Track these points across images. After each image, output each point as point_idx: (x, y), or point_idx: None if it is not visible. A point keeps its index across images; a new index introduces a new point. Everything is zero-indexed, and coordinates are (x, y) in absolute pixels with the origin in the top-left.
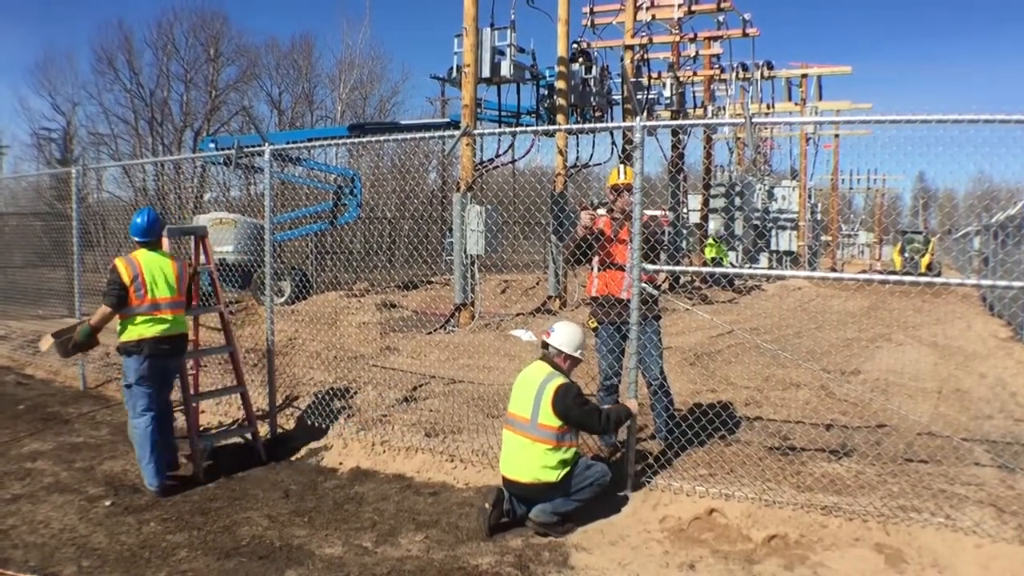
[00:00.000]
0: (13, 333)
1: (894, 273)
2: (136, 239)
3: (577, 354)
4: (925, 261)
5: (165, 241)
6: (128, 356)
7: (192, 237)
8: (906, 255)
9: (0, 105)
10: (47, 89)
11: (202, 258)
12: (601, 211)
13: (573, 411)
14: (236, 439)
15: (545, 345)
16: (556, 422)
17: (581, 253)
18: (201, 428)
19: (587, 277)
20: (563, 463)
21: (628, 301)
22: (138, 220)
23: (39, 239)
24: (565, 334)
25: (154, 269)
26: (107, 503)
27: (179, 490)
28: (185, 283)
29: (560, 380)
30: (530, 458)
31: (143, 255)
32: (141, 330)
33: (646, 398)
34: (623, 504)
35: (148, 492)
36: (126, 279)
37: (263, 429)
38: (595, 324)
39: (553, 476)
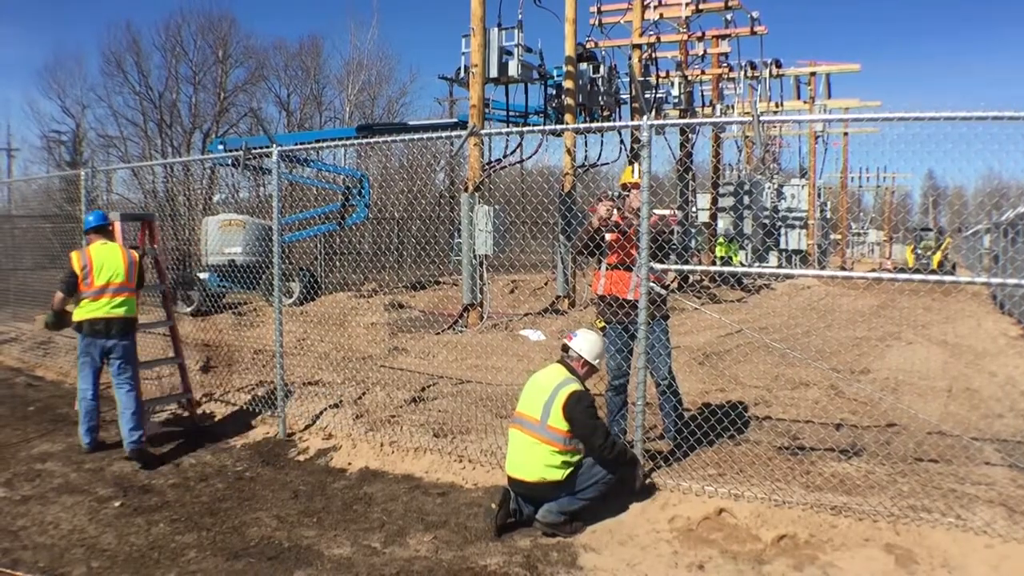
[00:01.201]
0: (23, 335)
1: (906, 271)
2: (90, 229)
3: (595, 363)
4: (936, 258)
5: (117, 226)
6: (77, 332)
7: (140, 223)
8: (919, 252)
9: (10, 108)
10: (56, 92)
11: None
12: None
13: (580, 420)
14: (173, 404)
15: (565, 348)
16: (565, 426)
17: (595, 245)
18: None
19: (593, 275)
20: (567, 463)
21: (635, 301)
22: (90, 218)
23: (49, 241)
24: (587, 341)
25: (103, 260)
26: (116, 504)
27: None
28: (135, 271)
29: (576, 386)
30: (536, 457)
31: (95, 248)
32: (84, 312)
33: (655, 398)
34: (632, 504)
35: (82, 447)
36: (76, 268)
37: (274, 429)
38: (603, 324)
39: (558, 475)
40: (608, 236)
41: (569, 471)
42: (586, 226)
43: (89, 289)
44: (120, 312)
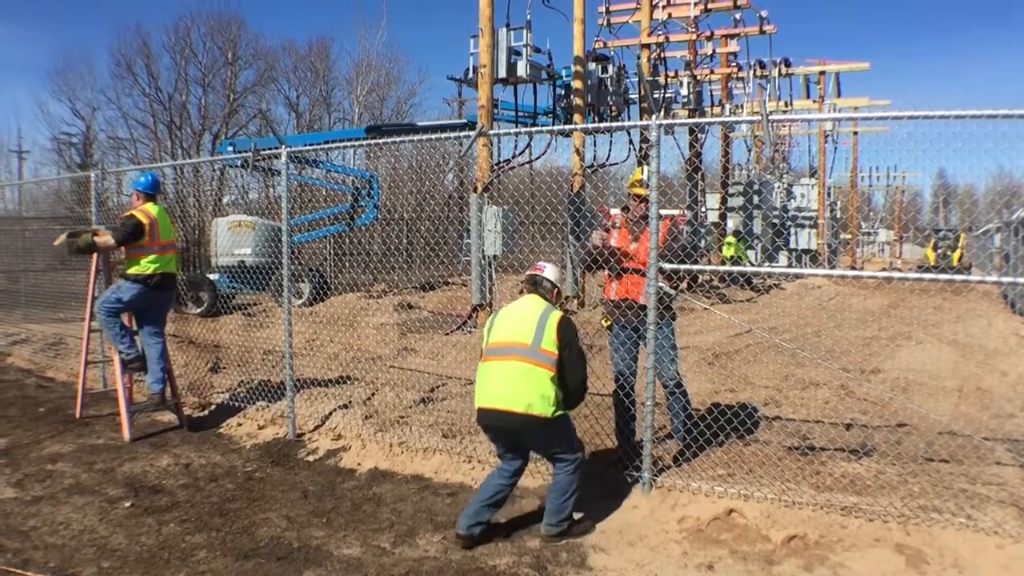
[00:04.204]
0: (34, 336)
1: (923, 268)
2: (143, 191)
3: (563, 287)
4: (956, 255)
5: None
6: (134, 283)
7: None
8: (939, 252)
9: (21, 110)
10: (67, 94)
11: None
12: (616, 210)
13: (573, 343)
14: (162, 409)
15: (537, 281)
16: (557, 350)
17: (593, 262)
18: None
19: (605, 279)
20: (556, 400)
21: (644, 306)
22: (142, 179)
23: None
24: (554, 270)
25: (163, 219)
26: (127, 504)
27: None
28: (176, 233)
29: (561, 312)
30: (529, 383)
31: (153, 207)
32: (154, 266)
33: (664, 398)
34: (641, 504)
35: (130, 360)
36: (145, 223)
37: (284, 430)
38: (609, 323)
39: (548, 411)
40: (615, 241)
41: (559, 414)
42: (586, 248)
43: (155, 244)
44: (175, 268)
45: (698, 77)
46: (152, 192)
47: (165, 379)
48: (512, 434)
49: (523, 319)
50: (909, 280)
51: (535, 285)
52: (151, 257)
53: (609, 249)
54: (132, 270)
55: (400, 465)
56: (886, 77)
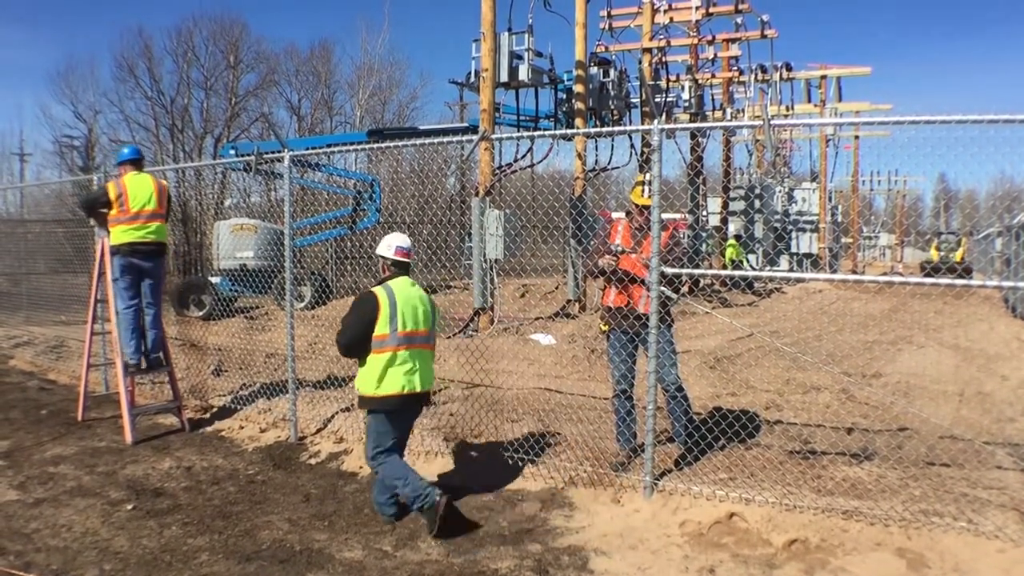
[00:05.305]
0: (36, 339)
1: (928, 266)
2: (123, 162)
3: None
4: (959, 255)
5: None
6: (115, 256)
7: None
8: (942, 252)
9: (23, 113)
10: (69, 97)
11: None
12: (619, 214)
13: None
14: (164, 412)
15: (409, 265)
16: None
17: (600, 275)
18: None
19: (603, 285)
20: None
21: (643, 314)
22: (124, 151)
23: (62, 246)
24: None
25: (137, 188)
26: (129, 507)
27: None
28: (164, 199)
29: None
30: (431, 364)
31: (129, 178)
32: (124, 236)
33: (664, 402)
34: (643, 508)
35: (130, 364)
36: (112, 195)
37: (285, 433)
38: (606, 327)
39: None
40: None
41: None
42: (592, 261)
43: (126, 215)
44: (155, 236)
45: (699, 81)
46: (132, 158)
47: (160, 344)
48: (416, 411)
49: (422, 308)
50: (910, 284)
51: (407, 268)
52: (121, 228)
53: (613, 272)
54: (111, 242)
55: None
56: (887, 81)
